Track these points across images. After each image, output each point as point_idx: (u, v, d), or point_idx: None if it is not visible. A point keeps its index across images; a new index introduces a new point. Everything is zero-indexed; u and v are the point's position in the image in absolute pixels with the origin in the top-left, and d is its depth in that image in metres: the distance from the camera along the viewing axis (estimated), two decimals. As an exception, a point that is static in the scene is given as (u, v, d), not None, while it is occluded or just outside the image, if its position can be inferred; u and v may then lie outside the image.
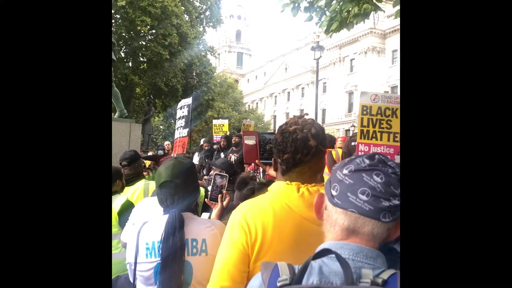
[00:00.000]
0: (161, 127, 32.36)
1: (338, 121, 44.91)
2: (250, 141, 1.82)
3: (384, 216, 0.92)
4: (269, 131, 2.13)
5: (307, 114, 1.57)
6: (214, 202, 2.13)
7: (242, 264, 1.31)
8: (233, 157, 7.48)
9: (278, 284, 0.87)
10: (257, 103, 66.05)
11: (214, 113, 29.13)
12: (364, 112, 4.21)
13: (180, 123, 8.01)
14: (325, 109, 48.11)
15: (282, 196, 1.38)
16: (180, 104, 8.30)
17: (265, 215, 1.34)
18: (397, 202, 0.92)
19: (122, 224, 2.85)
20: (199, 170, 8.64)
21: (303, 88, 55.97)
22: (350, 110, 44.27)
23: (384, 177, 0.93)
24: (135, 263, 1.73)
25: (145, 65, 21.61)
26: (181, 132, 7.92)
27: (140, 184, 3.61)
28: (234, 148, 8.03)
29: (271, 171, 1.63)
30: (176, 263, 1.66)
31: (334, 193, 0.97)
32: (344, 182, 0.96)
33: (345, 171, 0.97)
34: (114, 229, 3.07)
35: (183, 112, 8.08)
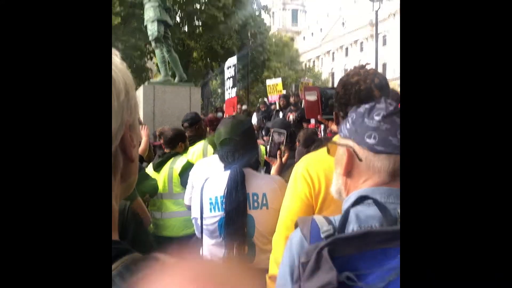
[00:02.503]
0: (219, 90, 32.75)
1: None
2: (311, 96, 1.77)
3: None
4: (330, 87, 2.08)
5: (368, 64, 1.49)
6: (273, 159, 2.15)
7: (306, 214, 1.32)
8: (291, 116, 7.43)
9: (323, 235, 0.88)
10: (313, 61, 64.40)
11: (270, 73, 28.82)
12: None
13: (229, 84, 7.88)
14: (385, 64, 45.97)
15: None
16: (227, 64, 8.13)
17: (328, 167, 1.32)
18: None
19: (183, 183, 3.02)
20: (258, 131, 8.72)
21: (361, 42, 53.52)
22: (413, 63, 41.95)
23: None
24: (201, 217, 1.81)
25: (200, 28, 21.71)
26: (230, 92, 7.81)
27: (200, 145, 3.72)
28: (292, 107, 7.96)
29: (334, 126, 1.59)
30: (239, 217, 1.73)
31: (372, 141, 0.95)
32: (380, 128, 0.95)
33: (376, 118, 0.97)
34: (177, 189, 3.27)
35: (230, 72, 7.91)
